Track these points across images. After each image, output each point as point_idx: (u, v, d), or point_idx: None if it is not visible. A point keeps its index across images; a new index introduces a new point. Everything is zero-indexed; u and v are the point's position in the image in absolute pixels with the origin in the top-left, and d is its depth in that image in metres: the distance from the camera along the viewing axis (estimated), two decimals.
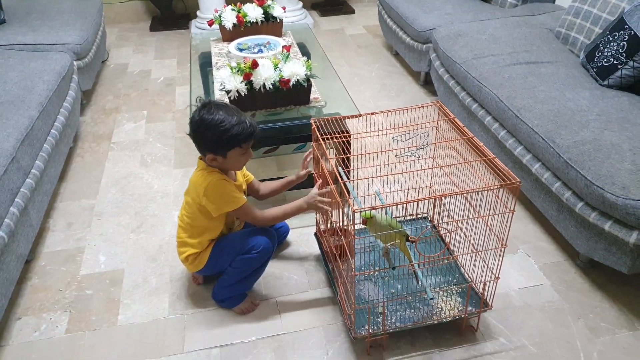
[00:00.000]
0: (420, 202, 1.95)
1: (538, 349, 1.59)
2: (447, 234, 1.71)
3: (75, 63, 2.77)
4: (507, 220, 1.38)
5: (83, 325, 1.69)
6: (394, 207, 1.97)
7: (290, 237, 2.03)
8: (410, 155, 1.57)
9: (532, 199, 2.03)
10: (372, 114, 1.65)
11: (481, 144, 1.48)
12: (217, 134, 1.49)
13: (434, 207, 1.86)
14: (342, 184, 1.44)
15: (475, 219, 1.46)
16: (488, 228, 1.45)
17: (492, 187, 1.35)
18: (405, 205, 1.94)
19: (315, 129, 1.62)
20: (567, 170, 1.75)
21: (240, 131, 1.51)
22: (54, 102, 2.31)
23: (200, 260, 1.69)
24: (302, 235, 2.04)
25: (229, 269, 1.69)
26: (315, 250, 1.96)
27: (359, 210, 1.29)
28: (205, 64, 2.54)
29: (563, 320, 1.68)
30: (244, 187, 1.73)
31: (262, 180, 1.87)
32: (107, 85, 3.34)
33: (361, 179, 1.68)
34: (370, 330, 1.54)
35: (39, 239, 2.06)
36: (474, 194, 1.40)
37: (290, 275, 1.87)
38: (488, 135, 2.32)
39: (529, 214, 2.15)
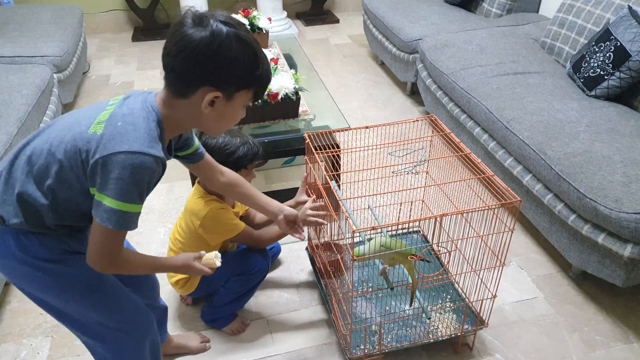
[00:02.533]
0: (412, 215, 1.92)
1: None
2: (446, 253, 1.68)
3: (55, 76, 2.70)
4: (506, 239, 1.36)
5: (66, 351, 1.62)
6: (388, 220, 1.95)
7: (280, 253, 1.98)
8: (408, 172, 1.54)
9: (523, 210, 2.02)
10: (367, 127, 1.62)
11: (479, 161, 1.46)
12: (222, 158, 1.43)
13: (435, 225, 1.82)
14: (338, 200, 1.40)
15: (473, 237, 1.43)
16: (485, 246, 1.43)
17: (492, 207, 1.33)
18: (398, 218, 1.91)
19: (309, 144, 1.58)
20: (559, 183, 1.75)
21: (246, 152, 1.48)
22: (33, 116, 2.24)
23: (191, 285, 1.64)
24: (292, 251, 2.00)
25: (221, 290, 1.64)
26: (307, 266, 1.92)
27: (358, 231, 1.25)
28: None
29: (558, 334, 1.66)
30: (241, 212, 1.68)
31: None
32: (88, 97, 3.26)
33: (355, 198, 1.65)
34: (366, 351, 1.51)
35: None
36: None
37: (281, 293, 1.82)
38: (477, 146, 2.31)
39: (520, 225, 2.14)
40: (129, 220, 0.99)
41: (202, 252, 1.24)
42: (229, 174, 1.37)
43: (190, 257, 1.21)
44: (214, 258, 1.21)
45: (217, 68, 0.96)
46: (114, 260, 1.04)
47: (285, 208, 1.46)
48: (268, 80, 1.05)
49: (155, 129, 0.99)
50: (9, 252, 1.05)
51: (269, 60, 1.06)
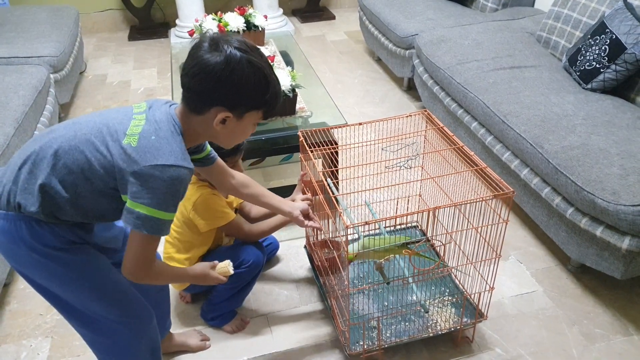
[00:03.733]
0: (410, 210, 1.92)
1: (534, 358, 1.57)
2: (441, 246, 1.68)
3: (52, 76, 2.69)
4: (501, 230, 1.36)
5: (66, 352, 1.63)
6: (386, 216, 1.95)
7: (279, 250, 1.98)
8: (401, 167, 1.54)
9: (521, 204, 2.03)
10: (360, 124, 1.63)
11: (472, 153, 1.47)
12: None
13: (428, 218, 1.83)
14: (332, 197, 1.40)
15: (468, 229, 1.43)
16: (481, 238, 1.43)
17: (486, 198, 1.33)
18: (395, 213, 1.91)
19: (303, 141, 1.58)
20: (556, 176, 1.75)
21: None
22: (30, 117, 2.24)
23: None
24: (291, 248, 2.00)
25: (218, 286, 1.64)
26: (306, 263, 1.92)
27: (351, 226, 1.25)
28: None
29: (557, 328, 1.67)
30: (235, 204, 1.69)
31: None
32: (85, 97, 3.26)
33: (351, 193, 1.65)
34: (365, 346, 1.51)
35: None
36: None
37: (281, 291, 1.83)
38: (475, 141, 2.31)
39: (518, 219, 2.15)
40: (162, 227, 1.05)
41: (215, 261, 1.31)
42: (238, 176, 1.43)
43: (206, 266, 1.29)
44: (228, 266, 1.31)
45: (229, 91, 1.03)
46: (148, 268, 1.11)
47: (299, 204, 1.50)
48: (277, 102, 1.12)
49: (182, 142, 1.07)
50: (19, 239, 1.07)
51: (280, 81, 1.12)
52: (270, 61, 2.19)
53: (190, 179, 1.09)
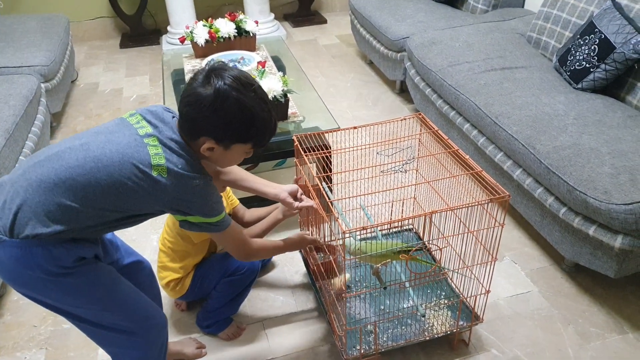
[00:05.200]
0: (405, 213, 1.92)
1: (530, 358, 1.57)
2: (438, 250, 1.68)
3: (42, 85, 2.68)
4: (497, 233, 1.37)
5: None
6: (381, 219, 1.95)
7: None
8: (396, 171, 1.55)
9: (514, 204, 2.03)
10: (355, 128, 1.63)
11: (467, 157, 1.47)
12: None
13: (424, 222, 1.83)
14: (328, 202, 1.40)
15: (464, 233, 1.43)
16: (477, 241, 1.43)
17: (482, 202, 1.33)
18: (390, 217, 1.91)
19: (298, 146, 1.58)
20: (548, 176, 1.76)
21: None
22: (21, 127, 2.23)
23: (182, 286, 1.64)
24: (286, 253, 1.99)
25: (213, 293, 1.64)
26: (301, 268, 1.92)
27: (348, 231, 1.25)
28: (179, 81, 2.48)
29: (553, 327, 1.67)
30: (228, 210, 1.68)
31: (243, 200, 1.82)
32: (77, 106, 3.24)
33: (346, 198, 1.65)
34: (362, 351, 1.51)
35: None
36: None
37: (276, 296, 1.82)
38: (467, 142, 2.32)
39: (512, 219, 2.15)
40: (224, 222, 1.21)
41: (306, 231, 1.54)
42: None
43: (301, 233, 1.54)
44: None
45: (215, 125, 1.10)
46: (248, 247, 1.31)
47: (286, 186, 1.53)
48: (266, 138, 1.17)
49: (197, 158, 1.15)
50: (35, 264, 1.07)
51: (273, 118, 1.16)
52: (261, 66, 2.17)
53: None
